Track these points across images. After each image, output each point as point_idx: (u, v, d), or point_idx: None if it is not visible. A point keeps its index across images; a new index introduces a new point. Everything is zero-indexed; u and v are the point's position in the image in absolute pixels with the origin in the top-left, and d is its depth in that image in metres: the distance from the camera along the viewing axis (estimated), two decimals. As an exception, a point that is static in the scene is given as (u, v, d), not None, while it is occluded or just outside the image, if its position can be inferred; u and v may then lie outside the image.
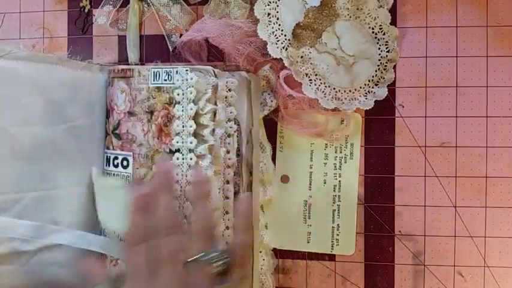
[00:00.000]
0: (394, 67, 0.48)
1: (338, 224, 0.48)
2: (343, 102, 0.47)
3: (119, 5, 0.51)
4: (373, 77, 0.47)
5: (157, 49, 0.51)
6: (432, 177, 0.48)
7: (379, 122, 0.49)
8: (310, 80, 0.46)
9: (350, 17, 0.46)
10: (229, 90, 0.44)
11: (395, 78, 0.48)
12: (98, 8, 0.51)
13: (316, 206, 0.49)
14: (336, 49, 0.46)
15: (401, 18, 0.48)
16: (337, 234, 0.48)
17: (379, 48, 0.47)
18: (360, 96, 0.47)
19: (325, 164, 0.49)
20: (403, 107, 0.48)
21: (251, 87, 0.46)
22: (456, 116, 0.48)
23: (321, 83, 0.46)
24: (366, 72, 0.47)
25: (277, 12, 0.46)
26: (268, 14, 0.46)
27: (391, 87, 0.48)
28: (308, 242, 0.49)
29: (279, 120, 0.49)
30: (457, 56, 0.48)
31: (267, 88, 0.48)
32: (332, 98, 0.46)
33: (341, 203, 0.49)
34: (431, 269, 0.48)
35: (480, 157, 0.48)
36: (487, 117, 0.48)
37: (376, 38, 0.47)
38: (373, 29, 0.47)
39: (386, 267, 0.49)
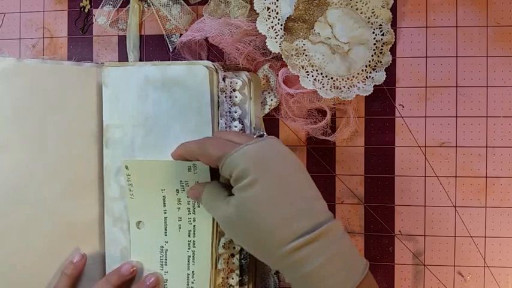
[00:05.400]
0: (391, 50, 0.48)
1: (193, 271, 0.44)
2: (342, 91, 0.46)
3: (119, 5, 0.51)
4: (369, 61, 0.47)
5: (157, 49, 0.51)
6: (432, 177, 0.48)
7: (379, 122, 0.49)
8: (307, 72, 0.46)
9: (341, 4, 0.46)
10: (234, 90, 0.44)
11: (395, 78, 0.48)
12: (98, 8, 0.51)
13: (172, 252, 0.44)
14: (329, 38, 0.46)
15: (401, 18, 0.48)
16: (192, 282, 0.44)
17: (373, 32, 0.47)
18: (359, 82, 0.47)
19: (179, 209, 0.43)
20: (403, 107, 0.48)
21: (252, 86, 0.46)
22: (456, 116, 0.48)
23: (318, 74, 0.46)
24: (362, 57, 0.47)
25: (277, 6, 0.46)
26: (268, 8, 0.46)
27: (391, 87, 0.48)
28: None
29: (282, 118, 0.49)
30: (457, 56, 0.48)
31: (267, 87, 0.48)
32: (330, 87, 0.46)
33: (195, 249, 0.43)
34: (431, 269, 0.48)
35: (480, 157, 0.48)
36: (487, 117, 0.48)
37: (369, 22, 0.47)
38: (365, 14, 0.47)
39: (386, 267, 0.49)
